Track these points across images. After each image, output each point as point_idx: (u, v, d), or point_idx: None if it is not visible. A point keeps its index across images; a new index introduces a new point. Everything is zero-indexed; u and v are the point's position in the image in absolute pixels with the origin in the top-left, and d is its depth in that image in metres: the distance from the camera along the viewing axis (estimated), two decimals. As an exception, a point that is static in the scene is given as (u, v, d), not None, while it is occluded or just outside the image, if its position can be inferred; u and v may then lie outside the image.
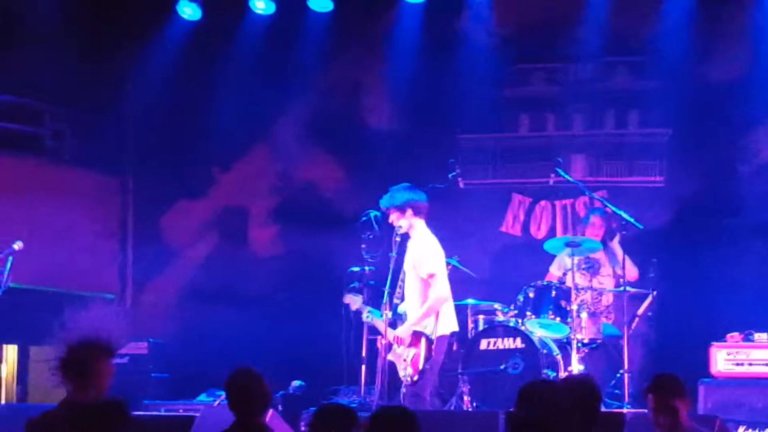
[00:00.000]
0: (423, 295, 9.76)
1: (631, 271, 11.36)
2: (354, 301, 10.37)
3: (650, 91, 12.92)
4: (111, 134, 13.38)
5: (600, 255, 11.55)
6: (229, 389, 6.53)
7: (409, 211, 9.91)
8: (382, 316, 9.74)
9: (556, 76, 13.37)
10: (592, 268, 11.48)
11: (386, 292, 9.71)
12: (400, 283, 9.85)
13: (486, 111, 13.15)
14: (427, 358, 9.60)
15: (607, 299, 11.49)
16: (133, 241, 14.09)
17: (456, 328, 10.02)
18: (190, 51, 13.28)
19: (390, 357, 9.71)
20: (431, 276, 9.74)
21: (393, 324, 9.75)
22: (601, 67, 13.16)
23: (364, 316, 10.23)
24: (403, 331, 9.71)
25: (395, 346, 9.73)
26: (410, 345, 9.68)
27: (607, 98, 13.23)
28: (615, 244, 11.54)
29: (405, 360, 9.66)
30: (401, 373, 9.65)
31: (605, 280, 11.53)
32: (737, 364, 10.33)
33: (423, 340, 9.63)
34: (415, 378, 9.58)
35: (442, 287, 9.81)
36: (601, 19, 12.50)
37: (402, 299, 9.84)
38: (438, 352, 9.71)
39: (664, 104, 12.72)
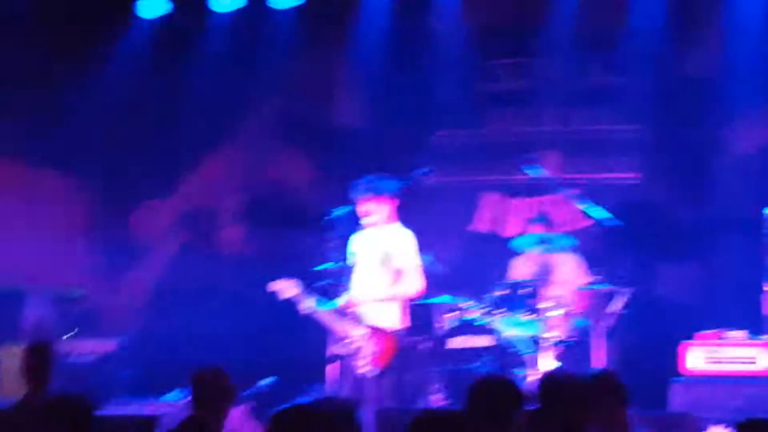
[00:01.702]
0: (391, 285, 9.62)
1: (584, 278, 11.27)
2: (287, 287, 10.07)
3: (622, 86, 12.82)
4: (79, 133, 13.24)
5: (560, 259, 11.40)
6: (194, 388, 6.53)
7: (394, 201, 9.78)
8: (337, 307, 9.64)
9: (527, 71, 13.27)
10: (554, 269, 11.34)
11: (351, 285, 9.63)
12: (362, 274, 9.73)
13: (457, 107, 13.06)
14: (388, 353, 9.47)
15: (579, 297, 11.35)
16: (103, 240, 13.96)
17: (409, 324, 9.88)
18: (157, 48, 13.16)
19: (342, 350, 9.59)
20: (414, 267, 9.62)
21: (353, 317, 9.64)
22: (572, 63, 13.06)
23: (304, 305, 9.99)
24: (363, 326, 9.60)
25: (354, 338, 9.59)
26: (369, 339, 9.56)
27: (580, 94, 13.12)
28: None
29: (364, 354, 9.54)
30: (361, 369, 9.52)
31: (558, 286, 11.35)
32: (710, 362, 10.24)
33: (383, 334, 9.52)
34: (375, 373, 9.47)
35: (421, 281, 9.69)
36: (571, 15, 12.40)
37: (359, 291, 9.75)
38: (397, 347, 9.58)
39: (637, 100, 12.62)
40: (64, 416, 5.83)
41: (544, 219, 11.90)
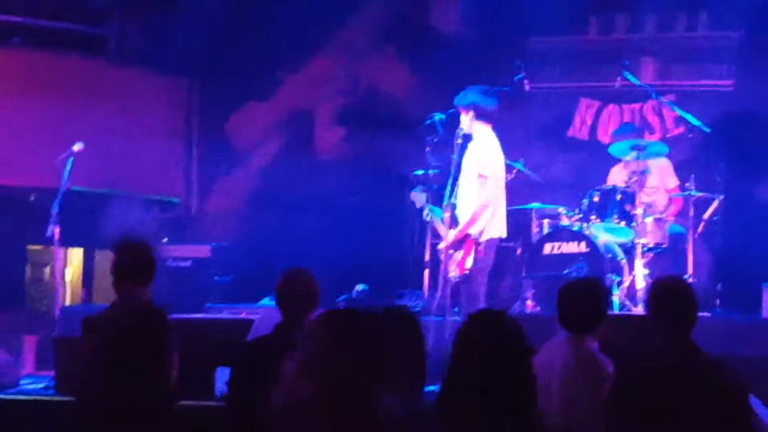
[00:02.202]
0: (478, 196, 9.75)
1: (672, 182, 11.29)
2: (419, 198, 10.32)
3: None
4: (177, 35, 13.31)
5: (654, 165, 11.41)
6: (278, 288, 6.54)
7: (472, 113, 9.84)
8: (441, 215, 9.77)
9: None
10: (648, 175, 11.33)
11: (446, 194, 9.73)
12: (457, 184, 9.85)
13: (555, 13, 12.97)
14: (475, 260, 9.60)
15: (672, 203, 11.40)
16: (198, 144, 14.13)
17: (504, 234, 9.90)
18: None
19: (442, 257, 9.76)
20: (484, 177, 9.73)
21: (451, 225, 9.77)
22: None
23: (425, 214, 10.23)
24: (454, 233, 9.73)
25: (448, 244, 9.73)
26: (459, 247, 9.70)
27: (677, 0, 13.05)
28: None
29: (453, 261, 9.70)
30: (450, 274, 9.68)
31: (651, 192, 11.36)
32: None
33: (470, 242, 9.64)
34: (459, 278, 9.62)
35: (491, 192, 9.75)
36: None
37: (455, 200, 9.87)
38: (485, 255, 9.71)
39: (735, 6, 12.50)
40: (142, 324, 6.05)
41: (631, 127, 11.90)
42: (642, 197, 10.79)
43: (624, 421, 4.99)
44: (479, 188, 9.70)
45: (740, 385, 5.10)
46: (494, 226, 9.72)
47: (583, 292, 6.47)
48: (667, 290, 5.61)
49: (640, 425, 4.89)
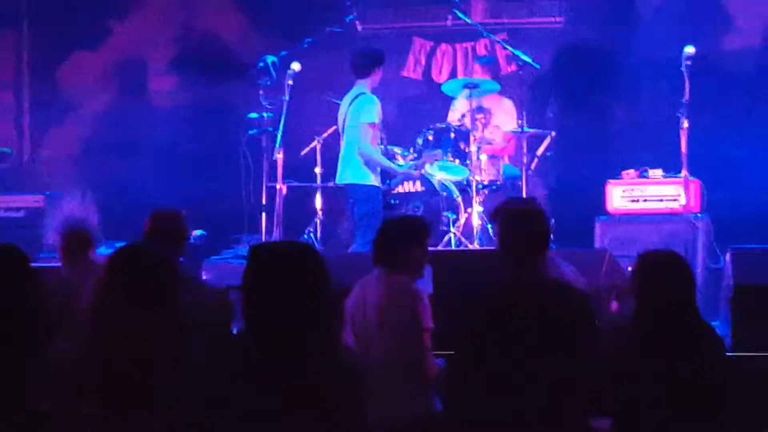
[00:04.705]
0: None
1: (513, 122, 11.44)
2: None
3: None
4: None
5: (491, 104, 11.56)
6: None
7: None
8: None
9: None
10: (484, 116, 11.46)
11: (278, 135, 9.76)
12: None
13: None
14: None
15: (507, 140, 11.54)
16: (29, 94, 13.85)
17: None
18: None
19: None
20: None
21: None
22: None
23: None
24: None
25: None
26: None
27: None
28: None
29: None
30: None
31: (494, 131, 11.50)
32: (632, 201, 10.52)
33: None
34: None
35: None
36: None
37: None
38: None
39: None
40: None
41: (490, 61, 12.01)
42: (485, 135, 10.93)
43: (482, 351, 5.06)
44: None
45: (584, 295, 5.41)
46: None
47: (396, 230, 6.57)
48: (517, 217, 5.67)
49: (500, 351, 4.98)
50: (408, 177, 10.64)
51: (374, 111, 10.26)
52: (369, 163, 10.28)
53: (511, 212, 5.75)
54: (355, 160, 10.29)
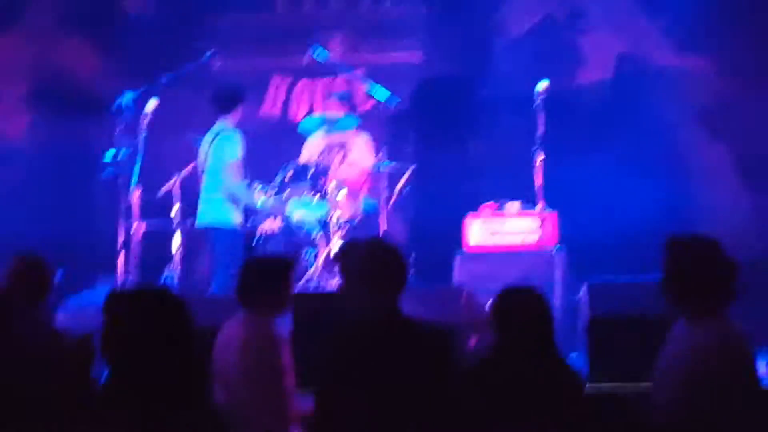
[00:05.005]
0: None
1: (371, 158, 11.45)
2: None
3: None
4: None
5: (348, 139, 11.57)
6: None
7: None
8: None
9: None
10: (342, 150, 11.47)
11: (135, 173, 9.67)
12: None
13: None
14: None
15: (366, 177, 11.55)
16: None
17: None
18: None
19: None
20: None
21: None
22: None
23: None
24: None
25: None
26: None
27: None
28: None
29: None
30: None
31: (348, 167, 11.51)
32: (492, 234, 10.57)
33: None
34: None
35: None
36: None
37: None
38: None
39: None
40: None
41: (347, 96, 12.01)
42: (340, 172, 10.94)
43: (343, 390, 5.06)
44: None
45: (444, 332, 5.33)
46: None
47: (258, 270, 6.53)
48: (372, 257, 5.50)
49: (359, 391, 4.98)
50: (272, 213, 10.62)
51: (237, 147, 10.23)
52: (234, 200, 10.22)
53: (367, 249, 5.70)
54: (216, 199, 10.24)
